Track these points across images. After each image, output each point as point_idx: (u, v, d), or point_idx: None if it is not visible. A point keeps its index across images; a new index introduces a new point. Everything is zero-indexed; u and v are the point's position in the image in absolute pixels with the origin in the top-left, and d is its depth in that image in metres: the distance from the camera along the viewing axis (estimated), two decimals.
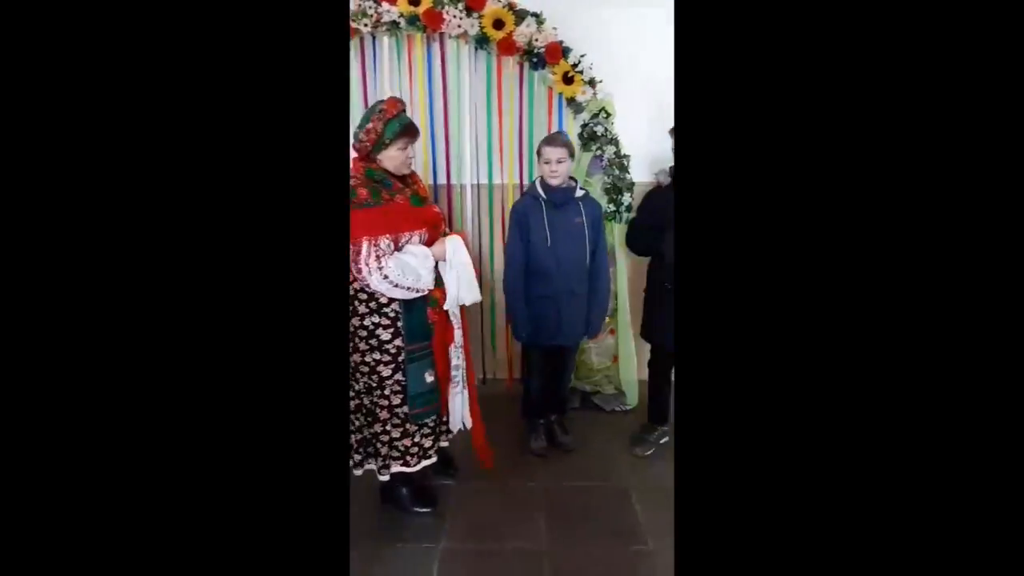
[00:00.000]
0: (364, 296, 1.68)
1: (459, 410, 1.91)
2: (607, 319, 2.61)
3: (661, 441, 2.32)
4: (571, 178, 2.07)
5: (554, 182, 2.01)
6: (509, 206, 2.48)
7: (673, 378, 2.31)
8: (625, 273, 2.59)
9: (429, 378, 1.78)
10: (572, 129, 2.51)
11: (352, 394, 1.79)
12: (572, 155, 2.03)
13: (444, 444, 1.97)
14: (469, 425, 1.95)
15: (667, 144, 2.09)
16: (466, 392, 1.91)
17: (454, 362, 1.85)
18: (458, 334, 1.85)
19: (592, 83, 2.40)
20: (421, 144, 2.57)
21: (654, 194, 2.16)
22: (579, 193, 2.08)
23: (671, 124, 2.07)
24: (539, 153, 2.04)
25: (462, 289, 1.77)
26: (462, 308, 1.86)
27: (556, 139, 2.01)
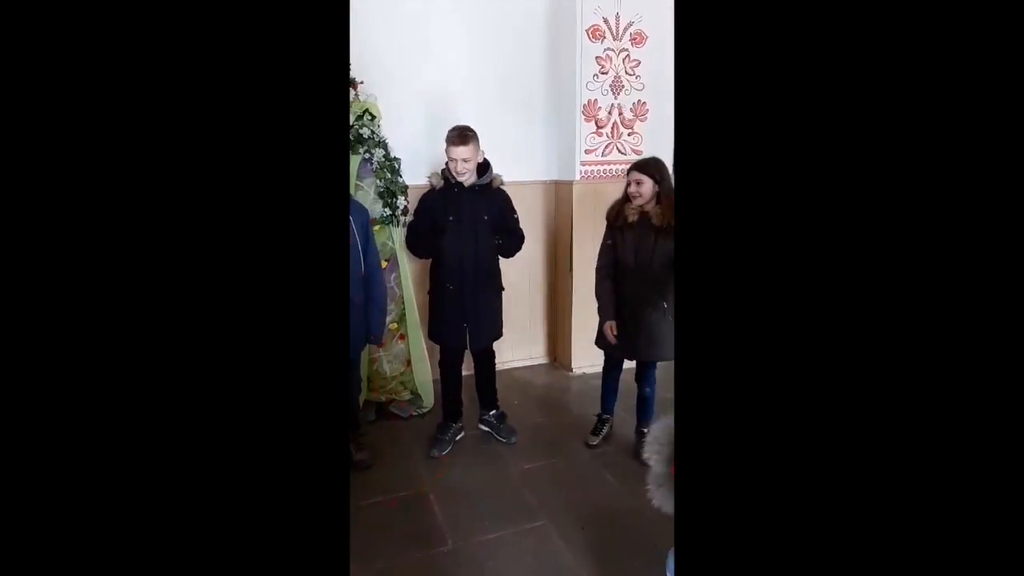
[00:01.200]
0: None
1: None
2: (394, 324, 2.57)
3: (457, 438, 2.37)
4: None
5: None
6: None
7: (463, 373, 2.37)
8: (409, 276, 2.58)
9: None
10: None
11: None
12: None
13: None
14: None
15: (440, 147, 2.12)
16: None
17: None
18: None
19: (352, 84, 2.33)
20: None
21: (429, 196, 2.18)
22: None
23: (445, 127, 2.10)
24: None
25: None
26: None
27: None
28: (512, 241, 2.22)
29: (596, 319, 2.28)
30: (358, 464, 2.18)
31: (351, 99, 2.34)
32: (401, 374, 2.65)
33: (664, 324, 2.10)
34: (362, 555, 1.75)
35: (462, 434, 2.39)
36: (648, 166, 2.08)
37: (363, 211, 2.09)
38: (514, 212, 2.21)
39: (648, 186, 2.05)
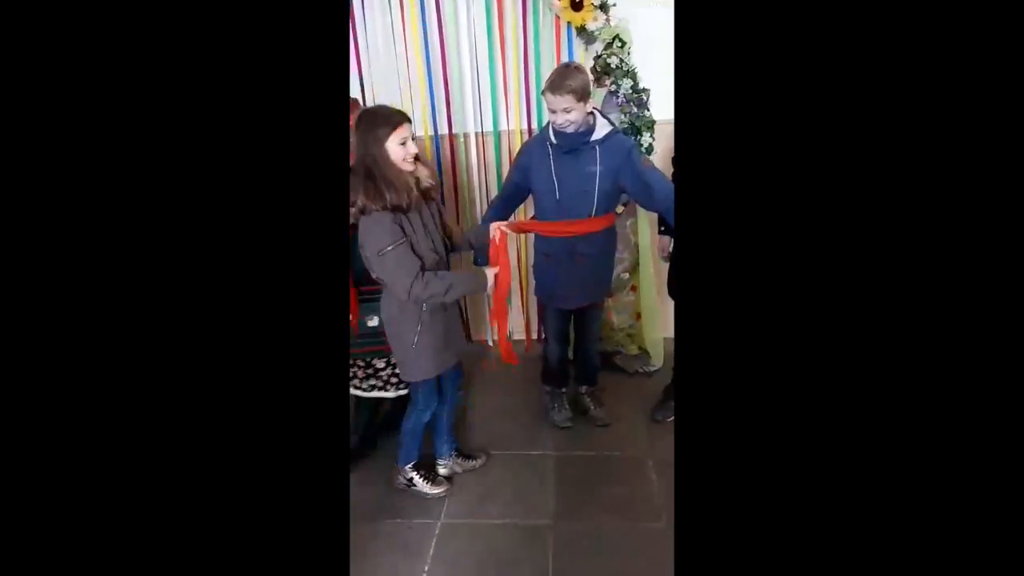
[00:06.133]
0: None
1: None
2: (625, 274, 2.40)
3: None
4: (590, 113, 1.72)
5: (568, 131, 1.69)
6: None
7: None
8: (648, 225, 2.36)
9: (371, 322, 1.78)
10: (585, 62, 2.23)
11: None
12: (583, 96, 1.65)
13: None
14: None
15: None
16: None
17: None
18: None
19: (604, 7, 2.11)
20: (420, 92, 2.37)
21: None
22: (599, 134, 1.72)
23: None
24: (545, 99, 1.72)
25: None
26: None
27: (559, 84, 1.62)
28: None
29: None
30: (595, 420, 2.13)
31: (601, 25, 2.13)
32: (629, 327, 2.50)
33: None
34: (564, 511, 1.72)
35: None
36: None
37: (620, 147, 1.78)
38: None
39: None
